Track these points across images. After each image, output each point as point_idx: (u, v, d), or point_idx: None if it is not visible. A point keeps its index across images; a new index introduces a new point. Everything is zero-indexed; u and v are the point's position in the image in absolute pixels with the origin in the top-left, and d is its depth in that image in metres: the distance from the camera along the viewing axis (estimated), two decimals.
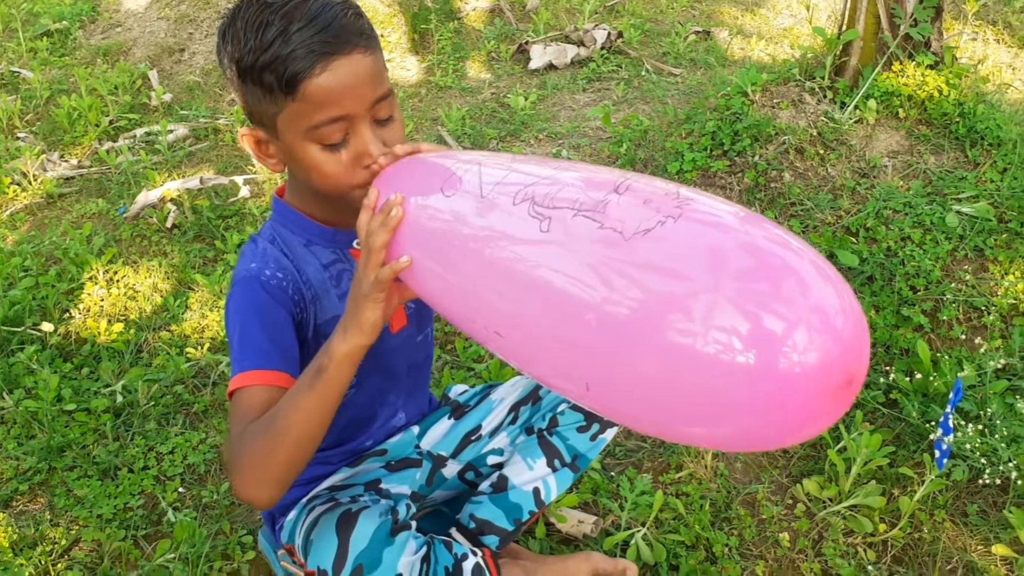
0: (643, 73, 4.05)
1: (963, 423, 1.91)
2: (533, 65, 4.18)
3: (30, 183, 3.22)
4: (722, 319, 0.86)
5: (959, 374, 1.95)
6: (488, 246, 1.06)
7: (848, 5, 2.76)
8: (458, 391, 1.74)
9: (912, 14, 2.65)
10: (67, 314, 2.50)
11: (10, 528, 1.80)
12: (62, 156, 3.46)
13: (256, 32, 1.18)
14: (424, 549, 1.42)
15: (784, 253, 0.90)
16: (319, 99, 1.17)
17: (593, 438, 1.61)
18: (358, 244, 1.38)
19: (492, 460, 1.65)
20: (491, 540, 1.57)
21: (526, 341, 1.04)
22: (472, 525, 1.58)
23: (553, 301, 0.97)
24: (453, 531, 1.58)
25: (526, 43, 4.31)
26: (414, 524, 1.46)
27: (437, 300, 1.16)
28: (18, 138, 3.56)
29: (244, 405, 1.19)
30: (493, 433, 1.66)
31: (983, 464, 1.89)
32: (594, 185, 1.02)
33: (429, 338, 1.62)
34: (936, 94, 2.62)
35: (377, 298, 1.14)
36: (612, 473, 1.97)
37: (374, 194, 1.16)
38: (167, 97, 3.85)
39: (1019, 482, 1.84)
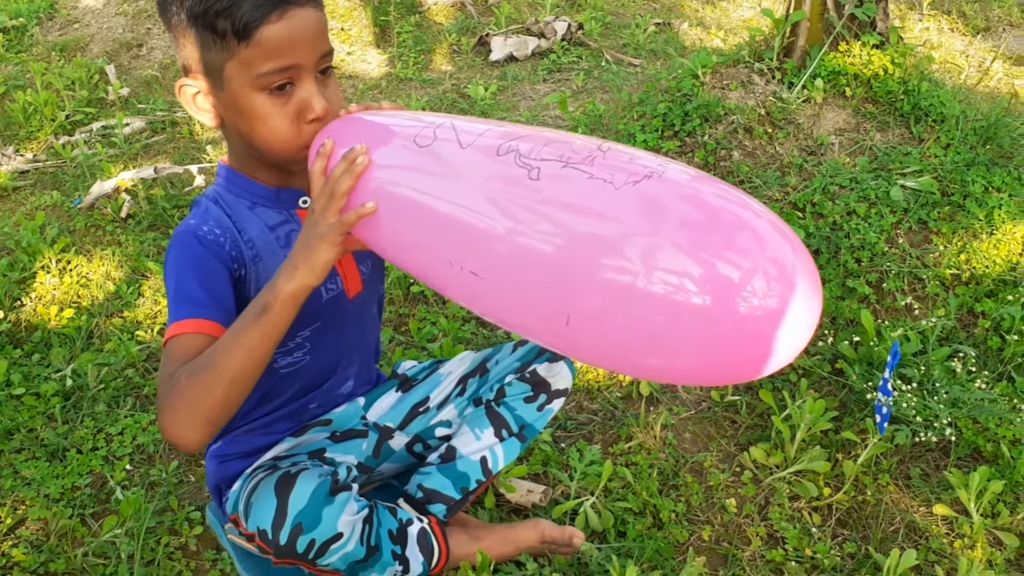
0: (603, 64, 4.08)
1: (903, 387, 1.94)
2: (494, 57, 4.20)
3: None
4: (707, 267, 0.94)
5: (894, 335, 1.98)
6: (477, 190, 1.09)
7: None
8: (406, 366, 1.74)
9: None
10: (18, 302, 2.49)
11: None
12: (17, 150, 3.44)
13: None
14: (366, 511, 1.43)
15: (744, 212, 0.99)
16: (271, 45, 1.20)
17: (540, 408, 1.62)
18: (304, 203, 1.39)
19: (440, 432, 1.65)
20: (438, 509, 1.58)
21: (505, 281, 1.08)
22: (419, 495, 1.59)
23: (547, 241, 1.02)
24: (400, 501, 1.59)
25: (487, 35, 4.33)
26: (355, 487, 1.47)
27: (396, 248, 1.18)
28: None
29: (177, 350, 1.20)
30: (441, 405, 1.67)
31: (919, 424, 1.92)
32: (576, 145, 1.07)
33: (378, 310, 1.63)
34: (882, 73, 2.66)
35: (335, 240, 1.16)
36: (563, 445, 1.99)
37: (329, 144, 1.18)
38: (124, 91, 3.83)
39: (952, 439, 1.87)
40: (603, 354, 1.06)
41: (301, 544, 1.33)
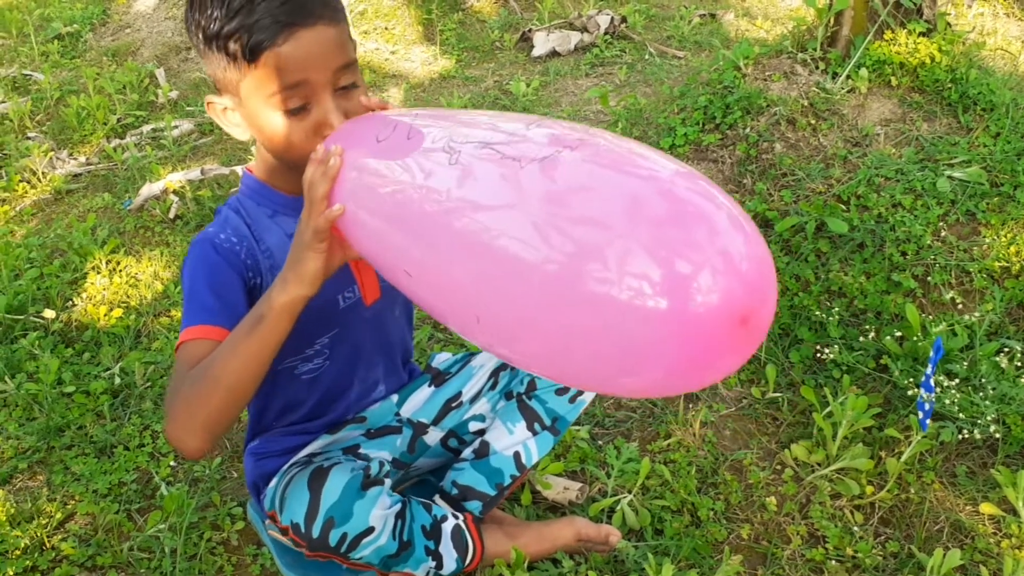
0: (646, 57, 4.05)
1: (947, 382, 1.90)
2: (536, 52, 4.20)
3: (39, 180, 3.29)
4: (634, 264, 0.88)
5: (935, 330, 1.93)
6: (416, 191, 1.05)
7: None
8: (440, 359, 1.76)
9: None
10: (70, 302, 2.56)
11: (8, 503, 1.85)
12: (71, 154, 3.53)
13: (222, 1, 1.20)
14: (399, 506, 1.44)
15: (702, 202, 0.93)
16: (280, 67, 1.19)
17: (572, 400, 1.62)
18: None
19: (474, 427, 1.66)
20: (474, 506, 1.59)
21: (439, 281, 1.04)
22: (454, 491, 1.60)
23: (485, 246, 0.98)
24: (436, 497, 1.60)
25: (530, 31, 4.33)
26: (388, 481, 1.48)
27: (374, 253, 1.14)
28: (28, 138, 3.64)
29: (186, 357, 1.22)
30: (474, 399, 1.68)
31: (965, 421, 1.87)
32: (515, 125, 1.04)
33: (407, 316, 1.64)
34: (928, 61, 2.60)
35: (318, 248, 1.14)
36: (600, 443, 1.98)
37: (321, 148, 1.17)
38: (173, 94, 3.91)
39: (997, 436, 1.83)
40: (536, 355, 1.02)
41: (333, 537, 1.35)
